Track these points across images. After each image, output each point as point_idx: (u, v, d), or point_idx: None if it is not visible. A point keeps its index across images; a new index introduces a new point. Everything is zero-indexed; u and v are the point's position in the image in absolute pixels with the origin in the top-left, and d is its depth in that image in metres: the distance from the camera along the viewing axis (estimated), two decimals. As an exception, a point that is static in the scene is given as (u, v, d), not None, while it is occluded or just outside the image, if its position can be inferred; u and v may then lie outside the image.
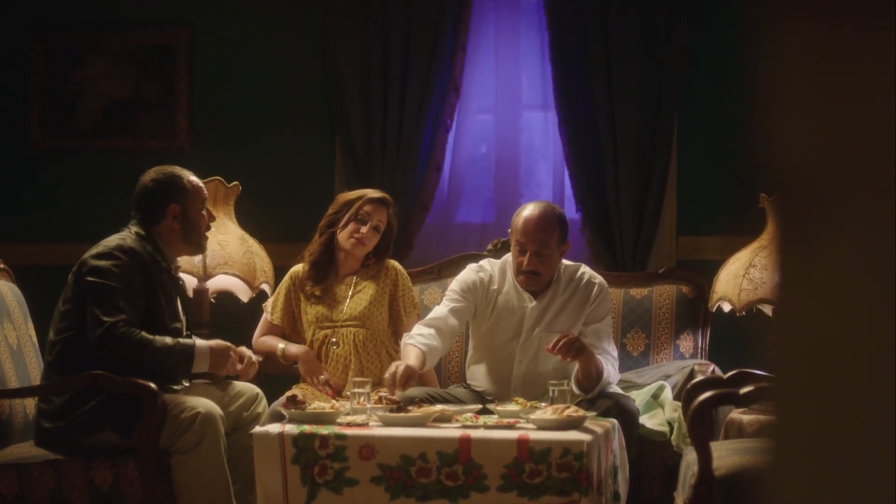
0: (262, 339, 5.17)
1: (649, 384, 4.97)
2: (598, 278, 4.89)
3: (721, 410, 4.65)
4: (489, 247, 5.40)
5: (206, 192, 4.70)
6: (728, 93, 5.70)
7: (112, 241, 4.49)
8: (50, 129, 6.20)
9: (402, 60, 5.85)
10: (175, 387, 4.52)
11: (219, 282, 5.38)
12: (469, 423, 4.22)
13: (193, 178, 4.64)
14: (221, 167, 5.53)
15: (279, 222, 5.89)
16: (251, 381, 4.83)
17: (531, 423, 4.18)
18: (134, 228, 4.55)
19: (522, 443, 4.04)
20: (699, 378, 4.56)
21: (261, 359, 4.84)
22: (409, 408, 4.29)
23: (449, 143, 5.92)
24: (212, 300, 5.40)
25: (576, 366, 4.63)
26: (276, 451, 4.15)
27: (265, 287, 5.38)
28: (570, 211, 5.86)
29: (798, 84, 1.03)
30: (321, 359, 5.03)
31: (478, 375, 4.92)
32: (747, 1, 1.09)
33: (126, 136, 6.16)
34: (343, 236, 5.04)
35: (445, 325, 4.77)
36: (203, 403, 4.37)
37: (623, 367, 5.21)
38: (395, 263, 5.14)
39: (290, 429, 4.18)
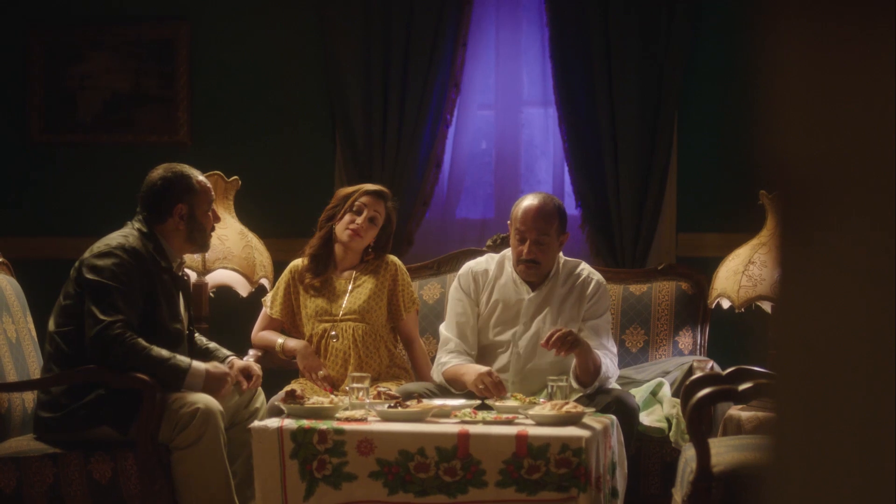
0: (261, 333, 5.18)
1: (648, 381, 4.97)
2: (597, 275, 4.90)
3: (720, 407, 4.66)
4: (489, 242, 5.40)
5: (213, 192, 4.70)
6: (728, 89, 5.71)
7: (114, 238, 4.47)
8: (50, 124, 6.19)
9: (403, 56, 5.85)
10: None
11: (218, 276, 5.38)
12: (468, 419, 4.23)
13: (202, 178, 4.63)
14: (221, 162, 5.53)
15: (279, 217, 5.89)
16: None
17: (530, 418, 4.19)
18: (137, 225, 4.54)
19: (521, 438, 4.04)
20: (698, 374, 4.56)
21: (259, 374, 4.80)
22: (408, 403, 4.30)
23: (449, 138, 5.92)
24: (211, 295, 5.40)
25: (573, 360, 4.64)
26: (275, 445, 4.15)
27: (264, 282, 5.38)
28: (570, 207, 5.86)
29: (798, 82, 1.03)
30: (320, 353, 5.03)
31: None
32: (749, 0, 1.09)
33: (126, 131, 6.16)
34: (339, 228, 5.05)
35: (469, 346, 4.82)
36: (202, 398, 4.37)
37: (622, 364, 5.21)
38: (394, 259, 5.15)
39: (289, 423, 4.18)
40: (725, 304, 5.07)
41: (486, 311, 4.88)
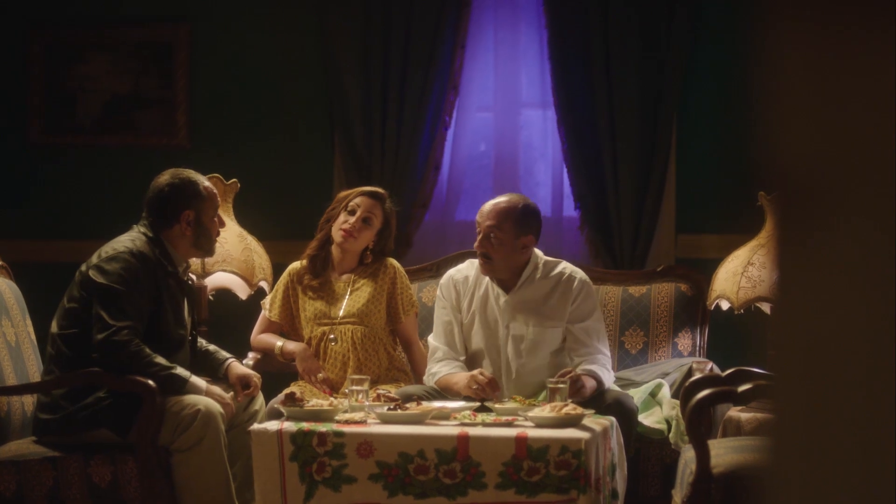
0: (260, 336, 5.18)
1: (647, 382, 4.97)
2: (580, 273, 4.87)
3: (719, 408, 4.66)
4: (488, 244, 5.40)
5: (219, 199, 4.72)
6: (727, 91, 5.70)
7: (122, 242, 4.49)
8: (49, 126, 6.19)
9: (402, 58, 5.85)
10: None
11: (217, 279, 5.39)
12: (467, 421, 4.23)
13: (208, 185, 4.66)
14: (220, 164, 5.53)
15: (278, 220, 5.89)
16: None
17: (529, 420, 4.19)
18: (142, 230, 4.55)
19: (521, 440, 4.04)
20: (697, 376, 4.56)
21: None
22: (407, 405, 4.30)
23: (448, 141, 5.92)
24: (210, 297, 5.40)
25: (566, 357, 4.68)
26: (275, 448, 4.15)
27: (263, 284, 5.38)
28: (569, 209, 5.87)
29: (798, 83, 1.03)
30: (319, 356, 5.03)
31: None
32: (748, 0, 1.09)
33: (126, 133, 6.16)
34: (334, 228, 5.05)
35: (457, 353, 4.82)
36: (203, 401, 4.37)
37: (621, 365, 5.21)
38: (393, 261, 5.14)
39: (289, 426, 4.18)
40: (725, 305, 5.07)
41: (469, 317, 4.87)
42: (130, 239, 4.51)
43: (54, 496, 4.39)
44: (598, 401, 4.52)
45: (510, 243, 4.74)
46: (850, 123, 1.01)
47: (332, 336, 5.01)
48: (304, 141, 6.08)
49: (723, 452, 4.12)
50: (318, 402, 4.39)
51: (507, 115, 6.00)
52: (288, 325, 5.16)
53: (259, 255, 5.39)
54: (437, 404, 4.42)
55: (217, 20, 6.13)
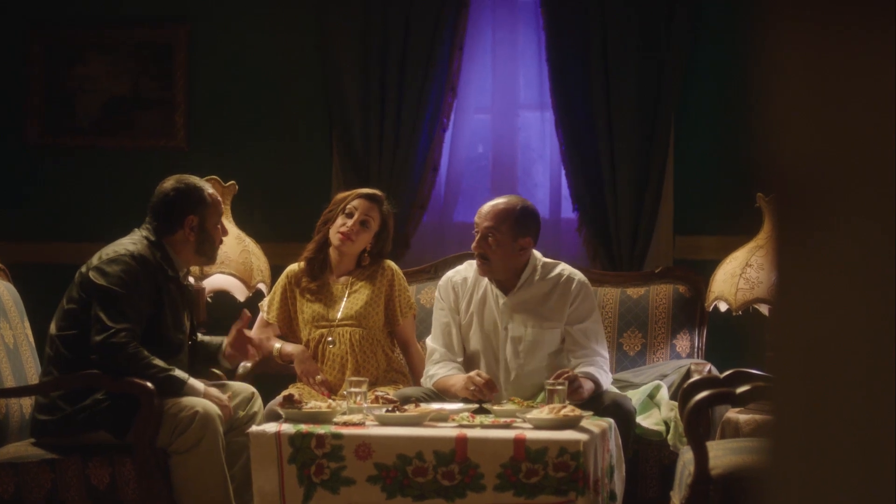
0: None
1: (646, 384, 4.97)
2: (578, 275, 4.87)
3: (717, 410, 4.66)
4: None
5: (223, 206, 4.74)
6: (725, 92, 5.70)
7: (122, 245, 4.49)
8: (48, 127, 6.18)
9: (400, 60, 5.85)
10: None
11: (215, 281, 5.38)
12: (465, 423, 4.22)
13: (212, 191, 4.69)
14: (218, 166, 5.53)
15: (276, 222, 5.89)
16: (246, 380, 4.85)
17: (528, 422, 4.18)
18: (144, 233, 4.56)
19: (519, 442, 4.04)
20: (696, 377, 4.56)
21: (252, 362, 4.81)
22: (406, 407, 4.29)
23: (446, 142, 5.92)
24: (208, 299, 5.40)
25: (564, 359, 4.68)
26: (273, 450, 4.15)
27: (262, 286, 5.38)
28: (567, 210, 5.87)
29: (798, 83, 1.03)
30: (317, 358, 5.03)
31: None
32: (748, 1, 1.09)
33: (124, 135, 6.15)
34: (332, 231, 5.05)
35: (455, 354, 4.81)
36: (201, 402, 4.37)
37: (619, 367, 5.21)
38: (391, 263, 5.14)
39: (287, 428, 4.18)
40: (723, 306, 5.07)
41: (467, 319, 4.87)
42: (131, 242, 4.51)
43: (53, 498, 4.39)
44: (597, 402, 4.52)
45: (508, 245, 4.74)
46: (850, 123, 1.01)
47: (330, 338, 5.01)
48: (303, 143, 6.08)
49: (721, 454, 4.12)
50: (316, 404, 4.39)
51: (505, 116, 6.00)
52: (286, 328, 5.15)
53: (257, 257, 5.39)
54: (435, 406, 4.41)
55: (216, 21, 6.12)
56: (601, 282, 5.40)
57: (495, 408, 4.38)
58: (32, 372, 4.71)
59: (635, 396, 4.83)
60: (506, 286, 4.83)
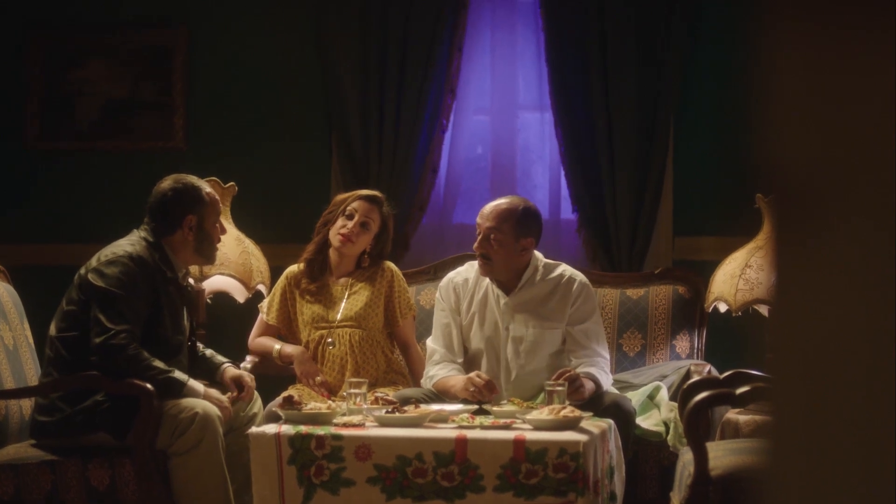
0: (257, 339, 5.17)
1: (645, 384, 4.97)
2: (580, 276, 4.88)
3: (717, 411, 4.66)
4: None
5: (221, 205, 4.73)
6: (725, 93, 5.70)
7: (121, 246, 4.49)
8: (47, 130, 6.18)
9: (399, 61, 5.85)
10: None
11: (215, 282, 5.38)
12: (465, 424, 4.22)
13: (210, 191, 4.69)
14: (218, 168, 5.53)
15: (275, 223, 5.88)
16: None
17: (527, 423, 4.18)
18: (143, 234, 4.55)
19: (519, 443, 4.04)
20: (695, 378, 4.56)
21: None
22: (406, 408, 4.29)
23: (445, 143, 5.92)
24: (208, 301, 5.40)
25: (565, 359, 4.68)
26: (273, 451, 4.15)
27: (261, 288, 5.38)
28: (567, 211, 5.87)
29: (797, 84, 1.03)
30: (317, 359, 5.03)
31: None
32: (747, 1, 1.09)
33: (123, 137, 6.15)
34: (332, 232, 5.05)
35: (455, 355, 4.81)
36: (200, 404, 4.37)
37: (619, 368, 5.21)
38: (390, 265, 5.14)
39: (287, 429, 4.18)
40: (722, 307, 5.07)
41: (468, 319, 4.88)
42: (130, 243, 4.51)
43: (52, 499, 4.39)
44: (596, 403, 4.52)
45: (510, 245, 4.75)
46: (850, 124, 1.01)
47: (329, 339, 5.01)
48: (302, 144, 6.07)
49: (721, 455, 4.12)
50: (316, 405, 4.39)
51: (504, 117, 6.00)
52: (286, 329, 5.16)
53: (257, 259, 5.39)
54: (434, 407, 4.41)
55: (215, 24, 6.12)
56: (601, 283, 5.40)
57: (495, 409, 4.38)
58: (32, 373, 4.71)
59: (635, 397, 4.83)
60: (507, 286, 4.83)
